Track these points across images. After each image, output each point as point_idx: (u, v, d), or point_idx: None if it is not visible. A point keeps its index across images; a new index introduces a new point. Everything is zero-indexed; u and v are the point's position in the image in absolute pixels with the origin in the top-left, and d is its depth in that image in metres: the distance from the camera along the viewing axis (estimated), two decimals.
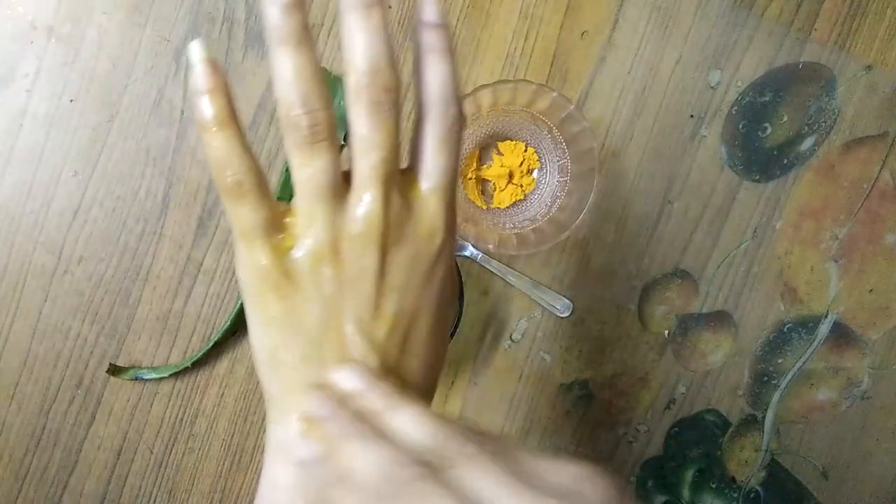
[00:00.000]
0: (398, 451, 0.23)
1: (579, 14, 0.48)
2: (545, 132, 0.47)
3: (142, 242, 0.48)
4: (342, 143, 0.27)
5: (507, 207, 0.48)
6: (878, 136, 0.49)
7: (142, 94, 0.47)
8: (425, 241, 0.26)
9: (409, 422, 0.24)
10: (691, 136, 0.49)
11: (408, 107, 0.47)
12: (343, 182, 0.26)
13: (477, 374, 0.50)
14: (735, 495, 0.52)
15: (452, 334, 0.46)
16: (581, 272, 0.49)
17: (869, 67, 0.48)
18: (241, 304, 0.48)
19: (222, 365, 0.49)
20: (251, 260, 0.25)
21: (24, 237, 0.48)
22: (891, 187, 0.50)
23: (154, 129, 0.47)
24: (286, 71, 0.24)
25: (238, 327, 0.48)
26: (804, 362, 0.51)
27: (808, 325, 0.50)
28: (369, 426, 0.24)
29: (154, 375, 0.48)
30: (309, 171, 0.25)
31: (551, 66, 0.48)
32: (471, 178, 0.48)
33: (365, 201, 0.25)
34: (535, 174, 0.48)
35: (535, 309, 0.50)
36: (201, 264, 0.48)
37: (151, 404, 0.49)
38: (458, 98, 0.26)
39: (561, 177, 0.47)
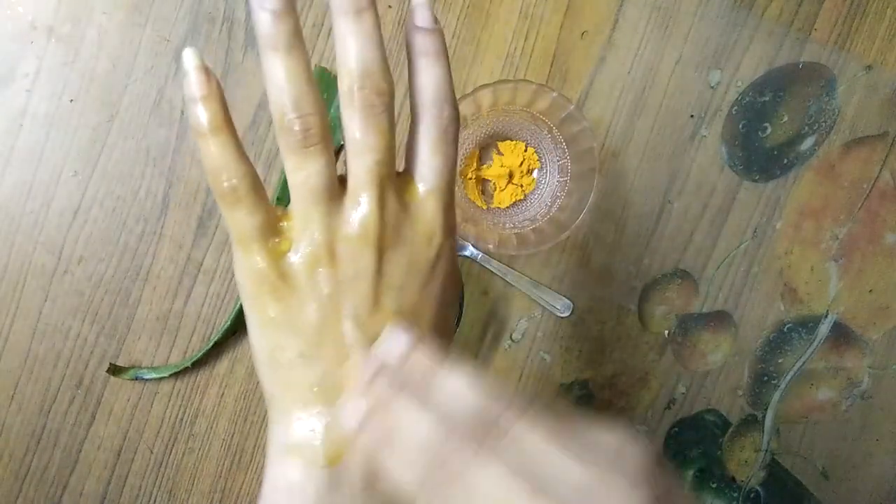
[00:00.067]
0: (444, 418, 0.23)
1: (579, 14, 0.48)
2: (545, 132, 0.47)
3: (142, 242, 0.48)
4: (341, 143, 0.27)
5: (507, 207, 0.48)
6: (878, 136, 0.49)
7: (142, 94, 0.47)
8: (423, 243, 0.26)
9: (454, 382, 0.24)
10: (691, 136, 0.49)
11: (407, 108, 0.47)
12: (339, 185, 0.26)
13: None
14: (735, 495, 0.52)
15: (452, 334, 0.46)
16: (581, 272, 0.49)
17: (869, 67, 0.48)
18: (241, 304, 0.48)
19: (222, 365, 0.49)
20: (248, 263, 0.26)
21: (24, 237, 0.48)
22: (891, 187, 0.50)
23: (154, 129, 0.47)
24: (278, 76, 0.24)
25: (238, 327, 0.48)
26: (804, 362, 0.51)
27: (808, 325, 0.50)
28: (416, 390, 0.24)
29: (154, 375, 0.48)
30: (303, 175, 0.25)
31: (551, 66, 0.48)
32: (471, 178, 0.48)
33: (360, 204, 0.25)
34: (535, 174, 0.48)
35: (535, 309, 0.50)
36: (201, 264, 0.48)
37: (151, 404, 0.49)
38: (452, 100, 0.26)
39: (561, 177, 0.47)
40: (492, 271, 0.49)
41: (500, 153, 0.48)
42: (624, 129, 0.48)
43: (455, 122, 0.27)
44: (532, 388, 0.50)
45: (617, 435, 0.23)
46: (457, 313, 0.45)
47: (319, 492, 0.25)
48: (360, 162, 0.25)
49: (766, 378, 0.51)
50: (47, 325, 0.48)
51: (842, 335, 0.51)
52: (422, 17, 0.26)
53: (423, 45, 0.26)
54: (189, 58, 0.25)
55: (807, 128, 0.49)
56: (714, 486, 0.52)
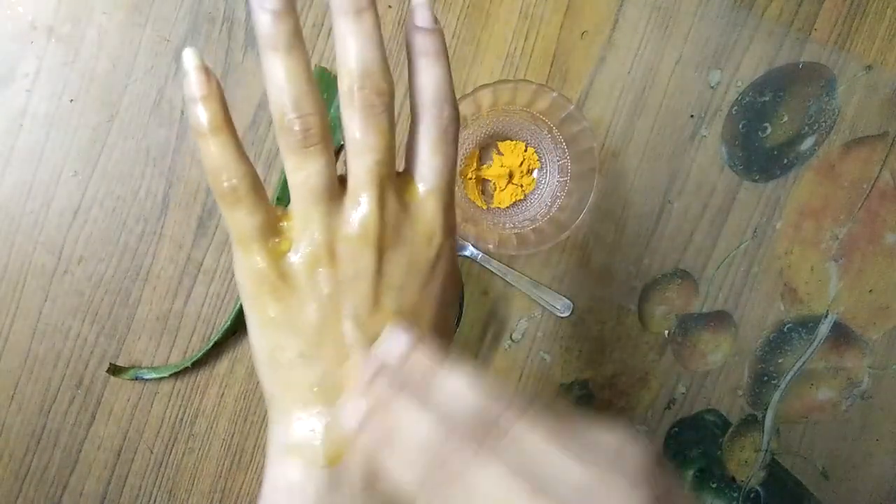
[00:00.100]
0: (444, 418, 0.23)
1: (579, 14, 0.48)
2: (545, 132, 0.47)
3: (142, 242, 0.48)
4: (341, 143, 0.27)
5: (507, 207, 0.48)
6: (878, 136, 0.49)
7: (142, 94, 0.47)
8: (423, 243, 0.26)
9: (454, 382, 0.24)
10: (691, 136, 0.49)
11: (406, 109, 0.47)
12: (339, 185, 0.26)
13: None
14: (735, 495, 0.52)
15: (452, 334, 0.46)
16: (581, 272, 0.49)
17: (869, 67, 0.48)
18: (241, 304, 0.48)
19: (222, 365, 0.49)
20: (248, 263, 0.26)
21: (24, 237, 0.48)
22: (891, 187, 0.50)
23: (154, 129, 0.47)
24: (278, 76, 0.24)
25: (238, 327, 0.48)
26: (804, 362, 0.51)
27: (808, 325, 0.50)
28: (416, 390, 0.24)
29: (154, 375, 0.48)
30: (303, 175, 0.25)
31: (551, 66, 0.48)
32: (471, 178, 0.48)
33: (360, 204, 0.25)
34: (535, 174, 0.48)
35: (535, 309, 0.50)
36: (201, 264, 0.48)
37: (151, 404, 0.49)
38: (452, 100, 0.26)
39: (561, 177, 0.47)
40: (492, 271, 0.49)
41: (500, 153, 0.48)
42: (624, 129, 0.48)
43: (455, 122, 0.27)
44: (532, 388, 0.50)
45: (617, 435, 0.23)
46: (457, 313, 0.45)
47: (319, 492, 0.25)
48: (360, 162, 0.25)
49: (766, 378, 0.51)
50: (47, 325, 0.48)
51: (842, 335, 0.51)
52: (422, 17, 0.26)
53: (423, 45, 0.26)
54: (189, 58, 0.25)
55: (807, 128, 0.49)
56: (714, 486, 0.52)
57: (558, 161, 0.47)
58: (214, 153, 0.25)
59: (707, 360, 0.51)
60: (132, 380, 0.49)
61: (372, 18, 0.25)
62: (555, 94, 0.42)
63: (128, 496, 0.50)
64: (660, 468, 0.22)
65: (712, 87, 0.48)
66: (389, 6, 0.47)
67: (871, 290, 0.50)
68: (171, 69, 0.47)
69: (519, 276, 0.49)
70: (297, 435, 0.26)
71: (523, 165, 0.48)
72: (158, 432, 0.49)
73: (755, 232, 0.50)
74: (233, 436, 0.50)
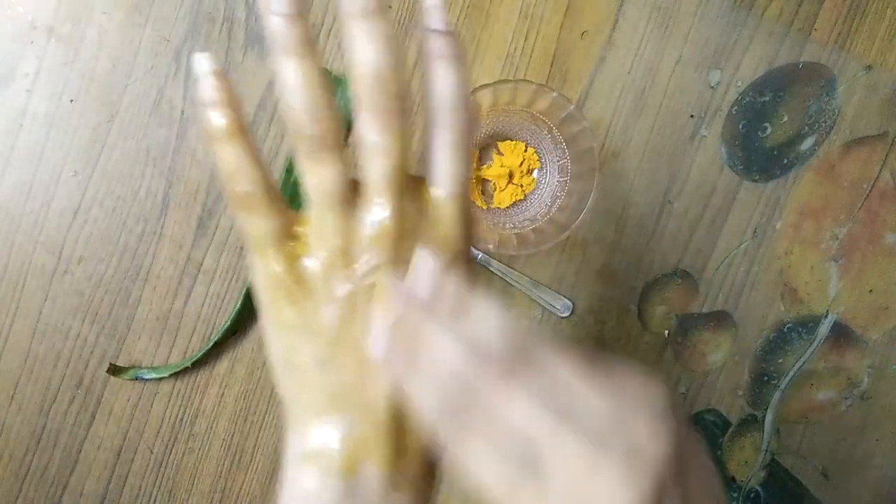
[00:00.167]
0: (473, 345, 0.23)
1: (579, 14, 0.48)
2: (545, 132, 0.47)
3: (142, 242, 0.48)
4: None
5: (507, 207, 0.48)
6: (878, 136, 0.49)
7: (142, 94, 0.47)
8: (439, 248, 0.26)
9: (483, 313, 0.24)
10: (691, 136, 0.49)
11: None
12: (355, 188, 0.26)
13: None
14: (735, 495, 0.52)
15: None
16: (581, 272, 0.49)
17: (869, 67, 0.48)
18: (241, 304, 0.48)
19: (222, 365, 0.49)
20: (264, 268, 0.26)
21: (24, 237, 0.48)
22: (891, 187, 0.50)
23: (154, 129, 0.47)
24: (291, 80, 0.24)
25: (238, 327, 0.48)
26: (804, 362, 0.51)
27: (808, 325, 0.50)
28: (444, 317, 0.24)
29: (154, 375, 0.48)
30: (318, 179, 0.25)
31: (551, 66, 0.48)
32: (471, 179, 0.48)
33: (376, 207, 0.25)
34: (535, 174, 0.48)
35: (535, 309, 0.50)
36: (201, 264, 0.48)
37: (151, 404, 0.49)
38: (468, 104, 0.26)
39: (561, 177, 0.47)
40: (492, 271, 0.49)
41: (500, 153, 0.48)
42: (624, 129, 0.48)
43: (472, 127, 0.26)
44: None
45: (639, 375, 0.23)
46: None
47: (335, 501, 0.25)
48: (376, 165, 0.25)
49: (766, 378, 0.51)
50: (47, 325, 0.48)
51: (842, 335, 0.51)
52: (437, 20, 0.26)
53: (440, 48, 0.26)
54: (201, 62, 0.24)
55: (807, 128, 0.49)
56: None
57: (558, 161, 0.47)
58: (229, 158, 0.25)
59: (707, 360, 0.51)
60: (132, 380, 0.49)
61: (384, 20, 0.24)
62: (555, 94, 0.42)
63: (128, 496, 0.50)
64: (678, 408, 0.23)
65: (712, 87, 0.48)
66: (389, 6, 0.47)
67: (871, 290, 0.50)
68: (171, 69, 0.47)
69: (519, 276, 0.49)
70: (312, 443, 0.25)
71: (523, 165, 0.48)
72: (158, 432, 0.49)
73: (755, 232, 0.50)
74: (233, 436, 0.50)
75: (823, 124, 0.49)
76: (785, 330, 0.50)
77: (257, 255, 0.26)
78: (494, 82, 0.42)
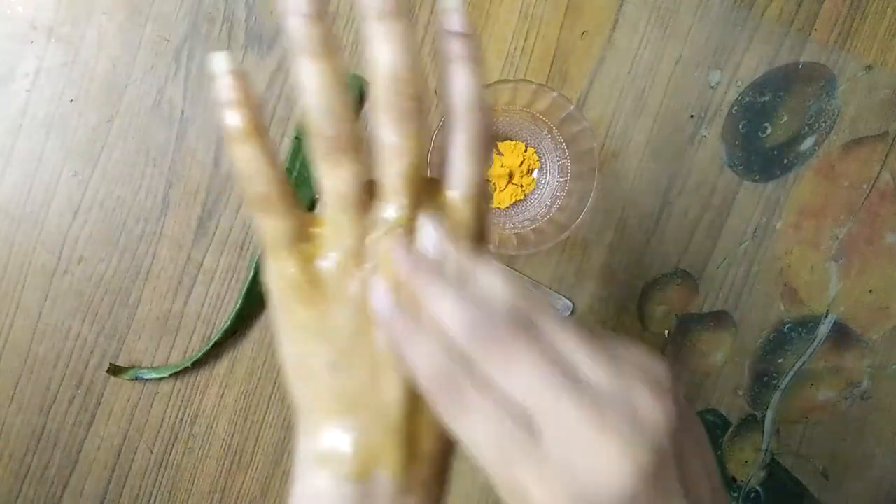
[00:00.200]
0: (483, 301, 0.23)
1: (579, 14, 0.48)
2: (545, 132, 0.47)
3: (142, 242, 0.48)
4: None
5: (507, 207, 0.48)
6: (878, 136, 0.49)
7: (142, 94, 0.47)
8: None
9: (488, 278, 0.24)
10: (691, 136, 0.49)
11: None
12: (370, 189, 0.26)
13: None
14: (735, 495, 0.52)
15: None
16: (581, 272, 0.49)
17: (869, 67, 0.48)
18: (241, 304, 0.48)
19: (222, 365, 0.49)
20: (278, 269, 0.25)
21: (24, 237, 0.48)
22: (891, 187, 0.50)
23: (154, 129, 0.47)
24: (311, 82, 0.24)
25: (238, 327, 0.48)
26: (804, 362, 0.51)
27: (808, 325, 0.50)
28: (450, 278, 0.24)
29: (154, 375, 0.48)
30: (334, 181, 0.25)
31: (551, 66, 0.48)
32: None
33: (391, 208, 0.25)
34: (535, 174, 0.48)
35: None
36: (201, 264, 0.48)
37: (151, 404, 0.49)
38: (486, 106, 0.26)
39: (561, 177, 0.47)
40: None
41: (500, 153, 0.48)
42: (624, 129, 0.48)
43: (489, 129, 0.26)
44: None
45: (642, 352, 0.23)
46: None
47: (347, 503, 0.25)
48: (394, 167, 0.25)
49: (766, 378, 0.51)
50: (47, 325, 0.48)
51: (842, 335, 0.51)
52: (456, 21, 0.26)
53: (459, 49, 0.26)
54: (220, 61, 0.24)
55: (807, 128, 0.49)
56: None
57: (558, 161, 0.47)
58: (247, 159, 0.25)
59: (707, 360, 0.51)
60: (132, 380, 0.49)
61: (404, 22, 0.24)
62: (555, 94, 0.42)
63: (128, 496, 0.50)
64: (679, 387, 0.23)
65: (712, 87, 0.48)
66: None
67: (871, 291, 0.50)
68: (171, 69, 0.47)
69: (519, 276, 0.49)
70: (325, 446, 0.25)
71: (523, 165, 0.48)
72: (158, 432, 0.49)
73: (755, 232, 0.50)
74: (233, 436, 0.50)
75: (823, 124, 0.49)
76: (785, 330, 0.50)
77: (271, 256, 0.26)
78: (494, 82, 0.42)
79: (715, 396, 0.51)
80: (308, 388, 0.26)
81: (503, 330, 0.22)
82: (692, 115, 0.48)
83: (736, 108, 0.48)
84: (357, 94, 0.43)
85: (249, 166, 0.25)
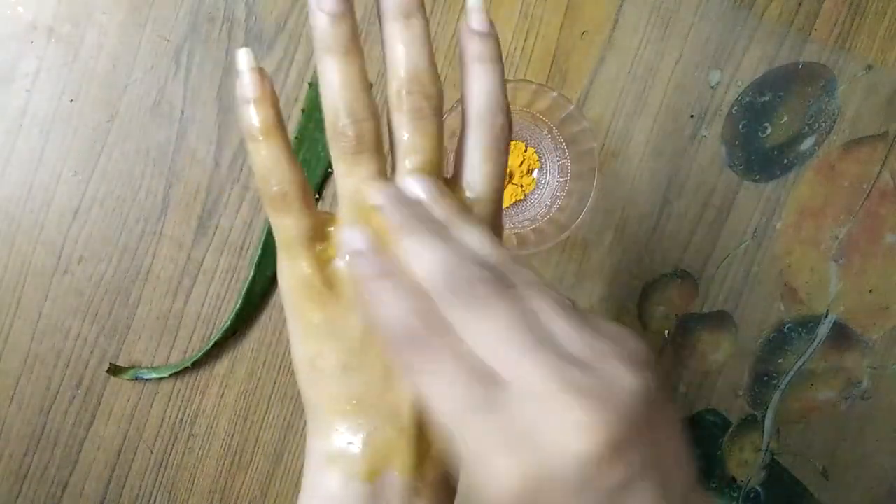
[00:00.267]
0: (464, 253, 0.22)
1: (579, 14, 0.48)
2: (545, 132, 0.47)
3: (142, 242, 0.48)
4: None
5: (507, 207, 0.48)
6: (878, 136, 0.49)
7: (142, 94, 0.47)
8: None
9: (474, 236, 0.24)
10: (691, 136, 0.49)
11: None
12: None
13: None
14: (735, 495, 0.52)
15: None
16: (581, 272, 0.49)
17: (869, 67, 0.48)
18: (241, 304, 0.48)
19: (222, 365, 0.49)
20: (293, 269, 0.25)
21: (24, 237, 0.48)
22: (891, 187, 0.50)
23: (154, 129, 0.47)
24: (333, 80, 0.24)
25: (238, 327, 0.48)
26: (804, 362, 0.51)
27: (808, 325, 0.50)
28: (433, 226, 0.23)
29: (154, 375, 0.48)
30: (353, 181, 0.25)
31: (551, 66, 0.48)
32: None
33: None
34: (535, 174, 0.48)
35: None
36: (201, 264, 0.48)
37: (151, 404, 0.49)
38: (506, 108, 0.26)
39: (561, 177, 0.47)
40: None
41: None
42: (624, 129, 0.48)
43: (507, 131, 0.26)
44: None
45: (619, 327, 0.22)
46: None
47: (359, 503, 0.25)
48: (409, 165, 0.25)
49: (766, 378, 0.51)
50: (47, 325, 0.48)
51: (842, 335, 0.51)
52: (478, 21, 0.25)
53: (479, 50, 0.25)
54: (244, 58, 0.24)
55: (807, 128, 0.49)
56: (714, 486, 0.52)
57: (558, 161, 0.47)
58: (265, 157, 0.24)
59: (707, 360, 0.51)
60: (132, 380, 0.49)
61: (421, 23, 0.24)
62: (555, 94, 0.42)
63: (128, 496, 0.50)
64: (654, 367, 0.22)
65: (712, 87, 0.48)
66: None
67: (871, 291, 0.50)
68: (171, 69, 0.47)
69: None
70: (335, 447, 0.25)
71: (523, 165, 0.48)
72: (158, 432, 0.49)
73: (755, 232, 0.50)
74: (233, 436, 0.50)
75: (823, 124, 0.49)
76: (785, 330, 0.50)
77: (287, 255, 0.25)
78: None
79: (715, 396, 0.51)
80: (319, 388, 0.26)
81: (480, 285, 0.21)
82: (692, 115, 0.48)
83: (736, 108, 0.48)
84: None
85: (267, 165, 0.25)
